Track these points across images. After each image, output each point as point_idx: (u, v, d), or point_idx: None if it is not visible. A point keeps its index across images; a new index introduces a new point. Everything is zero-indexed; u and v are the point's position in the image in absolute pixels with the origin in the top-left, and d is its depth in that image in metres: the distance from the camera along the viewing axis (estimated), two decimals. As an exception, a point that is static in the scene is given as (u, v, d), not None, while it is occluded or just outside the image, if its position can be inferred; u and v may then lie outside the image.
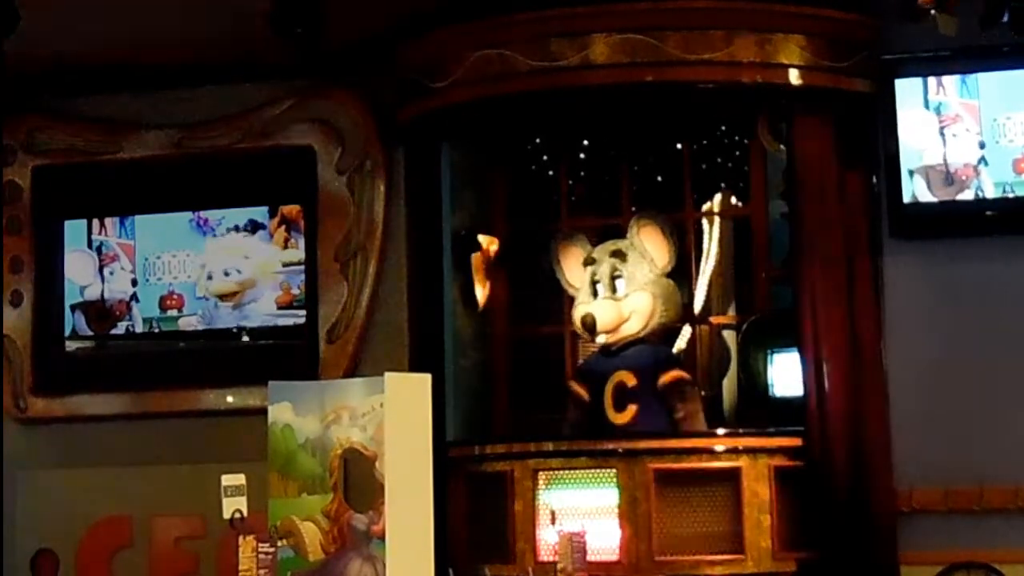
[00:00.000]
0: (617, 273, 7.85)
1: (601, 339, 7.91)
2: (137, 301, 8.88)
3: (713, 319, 8.32)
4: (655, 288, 7.77)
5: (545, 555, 7.25)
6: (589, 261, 7.97)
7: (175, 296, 8.81)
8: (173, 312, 8.83)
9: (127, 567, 8.63)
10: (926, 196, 7.62)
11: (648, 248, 7.82)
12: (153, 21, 7.89)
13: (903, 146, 7.61)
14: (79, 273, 8.95)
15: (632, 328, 7.78)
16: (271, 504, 5.42)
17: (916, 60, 7.62)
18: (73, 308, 8.96)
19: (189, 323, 8.80)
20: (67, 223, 8.98)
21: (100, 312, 8.92)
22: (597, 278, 7.90)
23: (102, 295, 8.92)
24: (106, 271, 8.91)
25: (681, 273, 8.16)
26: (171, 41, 8.17)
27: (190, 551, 8.51)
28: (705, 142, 8.31)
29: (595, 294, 7.90)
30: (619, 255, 7.86)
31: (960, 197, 7.60)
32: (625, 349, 7.80)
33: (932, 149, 7.62)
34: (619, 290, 7.85)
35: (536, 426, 8.17)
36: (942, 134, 7.62)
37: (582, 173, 8.49)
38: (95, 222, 8.93)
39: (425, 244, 8.06)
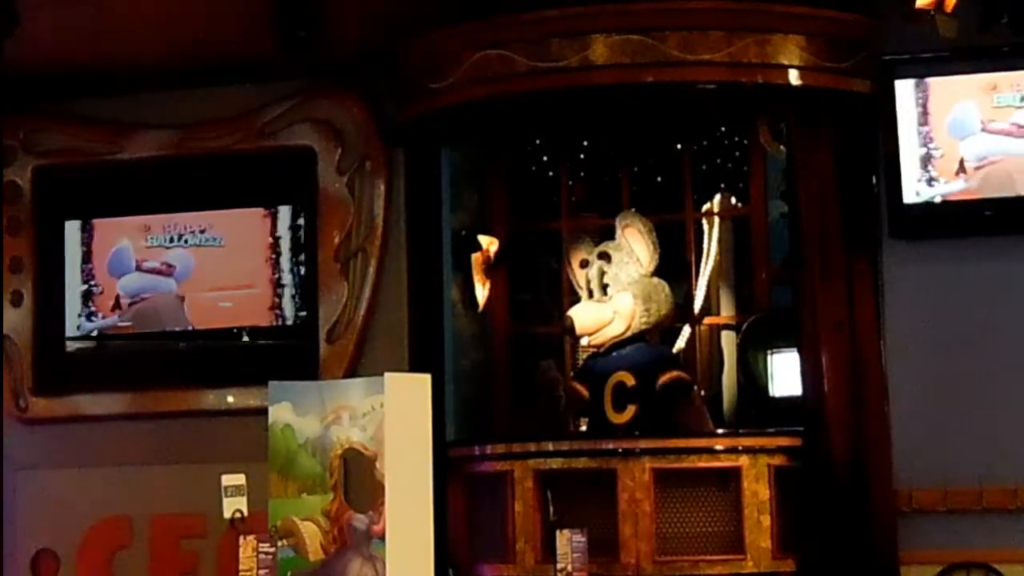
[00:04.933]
0: (604, 275, 7.86)
1: (584, 341, 7.93)
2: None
3: (713, 319, 8.32)
4: (637, 289, 7.74)
5: (545, 555, 7.25)
6: (584, 263, 7.98)
7: None
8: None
9: (127, 567, 8.63)
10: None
11: (634, 248, 7.81)
12: (154, 22, 7.90)
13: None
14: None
15: (615, 330, 7.77)
16: (271, 504, 5.43)
17: (916, 61, 7.63)
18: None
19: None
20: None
21: None
22: (589, 280, 7.92)
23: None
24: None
25: (680, 273, 8.17)
26: (172, 41, 8.17)
27: (190, 551, 8.51)
28: (705, 143, 8.31)
29: (591, 296, 7.92)
30: (604, 257, 7.86)
31: (959, 197, 7.62)
32: (622, 349, 7.80)
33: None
34: (607, 292, 7.85)
35: (536, 426, 8.18)
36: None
37: (582, 173, 8.50)
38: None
39: (425, 244, 8.06)
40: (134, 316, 8.91)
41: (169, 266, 8.84)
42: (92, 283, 8.95)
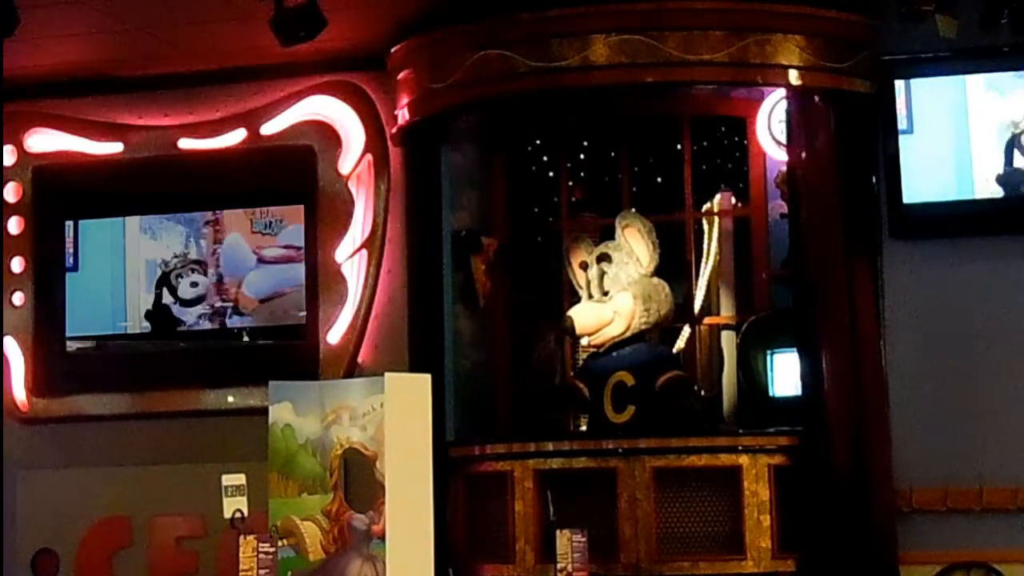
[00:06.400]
0: (604, 275, 7.86)
1: (584, 341, 7.92)
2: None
3: (713, 319, 8.32)
4: (637, 289, 7.74)
5: (545, 555, 7.25)
6: (584, 264, 7.97)
7: None
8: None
9: (127, 567, 8.63)
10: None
11: (634, 248, 7.81)
12: (154, 21, 7.90)
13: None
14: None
15: (615, 330, 7.77)
16: (271, 504, 5.43)
17: (916, 60, 7.63)
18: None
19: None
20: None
21: None
22: (589, 280, 7.92)
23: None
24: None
25: (680, 273, 8.17)
26: (172, 42, 8.17)
27: (190, 551, 8.51)
28: (705, 142, 8.31)
29: (591, 296, 7.92)
30: (604, 257, 7.86)
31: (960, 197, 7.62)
32: (622, 349, 7.79)
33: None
34: (608, 292, 7.85)
35: (536, 426, 8.18)
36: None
37: (582, 173, 8.49)
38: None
39: (425, 244, 8.06)
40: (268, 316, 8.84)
41: (297, 248, 8.73)
42: (217, 278, 8.89)
